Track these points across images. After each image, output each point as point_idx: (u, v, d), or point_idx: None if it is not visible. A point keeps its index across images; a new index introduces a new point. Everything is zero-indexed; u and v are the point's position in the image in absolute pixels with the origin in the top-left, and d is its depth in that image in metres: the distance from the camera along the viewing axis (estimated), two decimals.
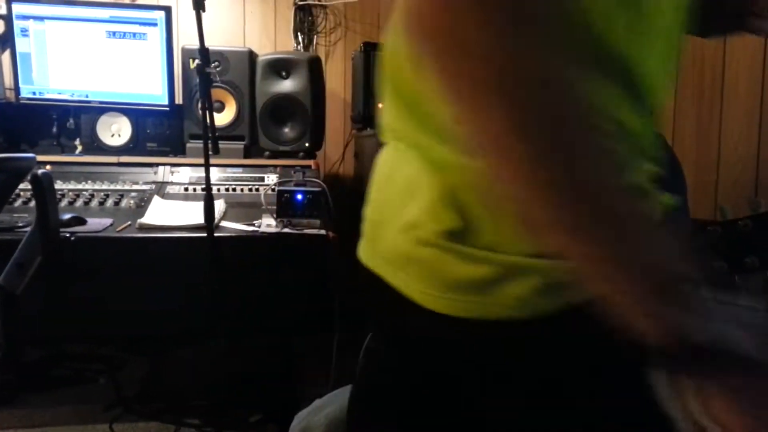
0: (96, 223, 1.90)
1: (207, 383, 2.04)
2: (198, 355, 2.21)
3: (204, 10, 1.79)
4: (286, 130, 2.39)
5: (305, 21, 2.85)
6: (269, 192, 2.06)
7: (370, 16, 2.93)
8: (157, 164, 2.27)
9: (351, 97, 2.68)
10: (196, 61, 1.82)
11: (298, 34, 2.83)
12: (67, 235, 1.78)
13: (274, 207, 1.92)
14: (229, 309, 1.75)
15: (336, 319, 1.86)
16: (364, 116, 2.36)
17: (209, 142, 1.77)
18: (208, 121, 1.77)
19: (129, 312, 1.88)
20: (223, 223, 1.91)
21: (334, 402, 1.25)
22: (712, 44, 1.80)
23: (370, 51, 2.33)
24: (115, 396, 2.16)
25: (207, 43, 1.81)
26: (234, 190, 2.18)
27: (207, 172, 1.75)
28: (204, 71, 1.82)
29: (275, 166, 2.28)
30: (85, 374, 2.37)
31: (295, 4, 2.83)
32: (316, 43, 2.88)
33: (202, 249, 1.73)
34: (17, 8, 2.33)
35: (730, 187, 1.77)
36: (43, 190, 1.54)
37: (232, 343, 1.88)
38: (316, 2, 2.86)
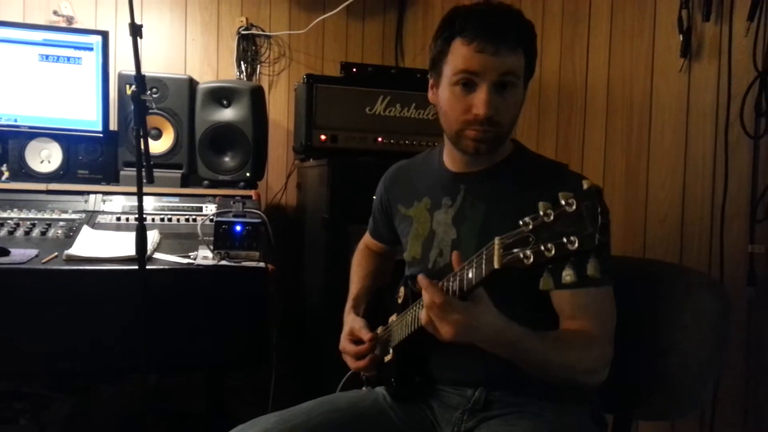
0: (20, 254, 1.79)
1: (136, 422, 1.94)
2: (127, 392, 2.10)
3: (141, 37, 1.75)
4: (227, 159, 2.35)
5: (249, 50, 2.84)
6: (207, 222, 2.01)
7: (314, 47, 2.95)
8: (89, 192, 2.17)
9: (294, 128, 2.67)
10: (132, 87, 1.77)
11: (242, 63, 2.81)
12: None
13: (212, 238, 1.87)
14: (160, 344, 1.68)
15: (273, 352, 1.81)
16: (306, 147, 2.35)
17: (143, 170, 1.71)
18: (142, 148, 1.72)
19: (54, 348, 1.77)
20: (157, 255, 1.85)
21: (256, 425, 1.21)
22: (641, 82, 1.88)
23: (312, 82, 2.33)
24: None
25: (146, 70, 1.77)
26: (170, 220, 2.12)
27: (140, 201, 1.68)
28: (139, 98, 1.78)
29: (214, 196, 2.23)
30: (6, 414, 2.22)
31: (238, 33, 2.81)
32: (260, 73, 2.87)
33: (134, 282, 1.66)
34: None
35: (657, 224, 1.84)
36: None
37: (162, 380, 1.80)
38: (260, 32, 2.85)
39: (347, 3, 2.87)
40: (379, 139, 2.38)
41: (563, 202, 0.78)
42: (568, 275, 0.78)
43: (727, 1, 1.62)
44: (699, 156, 1.72)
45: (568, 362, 1.10)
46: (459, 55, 1.17)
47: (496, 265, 0.87)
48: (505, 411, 1.20)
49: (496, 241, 0.89)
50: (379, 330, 1.37)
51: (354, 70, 2.51)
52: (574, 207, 0.77)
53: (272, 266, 1.86)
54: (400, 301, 1.29)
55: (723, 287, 1.43)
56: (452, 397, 1.25)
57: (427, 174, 1.36)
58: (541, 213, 0.80)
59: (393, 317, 1.31)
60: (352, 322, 1.42)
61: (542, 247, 0.79)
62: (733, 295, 1.48)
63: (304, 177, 2.70)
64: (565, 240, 0.76)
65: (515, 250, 0.84)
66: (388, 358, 1.31)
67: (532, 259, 0.81)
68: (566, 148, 2.19)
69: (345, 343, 1.40)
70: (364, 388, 1.41)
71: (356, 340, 1.38)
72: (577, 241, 0.75)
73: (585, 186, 0.77)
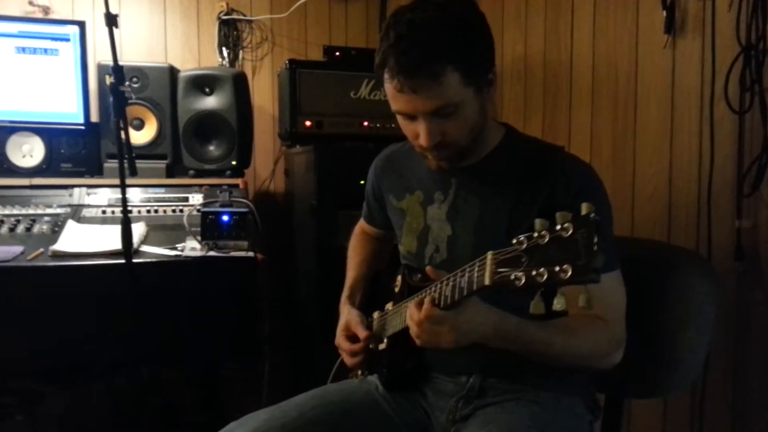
0: (5, 251, 1.78)
1: (130, 416, 1.94)
2: (120, 386, 2.09)
3: (117, 26, 1.72)
4: (211, 148, 2.33)
5: (230, 36, 2.79)
6: (193, 213, 1.99)
7: (297, 31, 2.91)
8: (73, 186, 2.15)
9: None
10: (111, 78, 1.74)
11: (223, 49, 2.77)
12: None
13: (199, 229, 1.85)
14: (150, 338, 1.67)
15: (265, 342, 1.81)
16: (291, 134, 2.33)
17: (125, 162, 1.69)
18: (123, 140, 1.70)
19: (43, 344, 1.76)
20: (144, 248, 1.83)
21: (248, 422, 1.20)
22: (625, 59, 1.87)
23: (295, 68, 2.30)
24: None
25: (125, 59, 1.75)
26: (156, 211, 2.10)
27: (123, 193, 1.67)
28: (118, 89, 1.75)
29: (200, 186, 2.21)
30: (0, 411, 2.22)
31: (219, 18, 2.77)
32: (243, 58, 2.83)
33: (121, 276, 1.64)
34: None
35: (645, 201, 1.84)
36: None
37: (155, 374, 1.79)
38: (242, 17, 2.81)
39: None
40: (365, 123, 2.36)
41: (559, 226, 0.77)
42: (559, 304, 0.77)
43: None
44: (685, 133, 1.71)
45: (573, 348, 1.09)
46: (387, 90, 1.13)
47: (487, 282, 0.87)
48: (500, 398, 1.19)
49: (489, 256, 0.88)
50: (376, 315, 1.36)
51: (337, 53, 2.48)
52: (570, 232, 0.75)
53: (261, 255, 1.85)
54: (396, 290, 1.28)
55: (711, 265, 1.44)
56: (447, 385, 1.25)
57: (418, 165, 1.32)
58: (536, 234, 0.79)
59: (389, 305, 1.30)
60: (348, 315, 1.40)
61: (534, 272, 0.78)
62: (721, 271, 1.49)
63: (291, 163, 2.68)
64: (557, 268, 0.76)
65: (507, 271, 0.83)
66: (382, 346, 1.31)
67: (523, 282, 0.80)
68: (553, 127, 2.18)
69: (341, 339, 1.39)
70: (356, 378, 1.40)
71: (351, 336, 1.37)
72: (570, 271, 0.74)
73: (584, 211, 0.75)
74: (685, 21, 1.70)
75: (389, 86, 1.12)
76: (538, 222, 0.80)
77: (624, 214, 1.85)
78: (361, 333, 1.33)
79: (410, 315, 1.04)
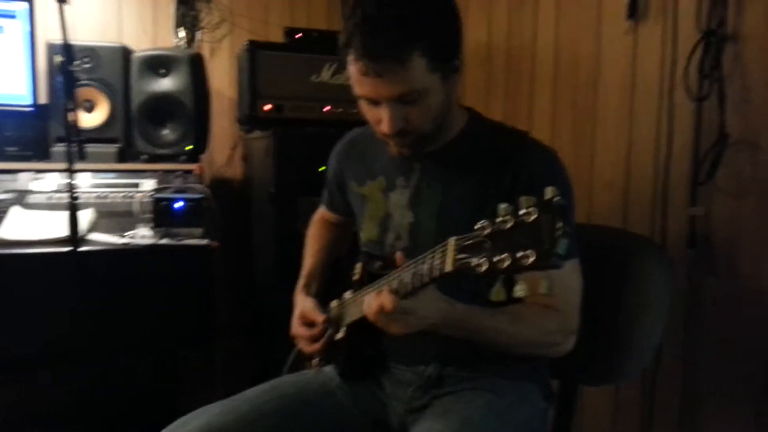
0: None
1: (81, 409, 1.88)
2: (69, 379, 2.02)
3: (68, 3, 1.64)
4: (166, 131, 2.25)
5: (187, 15, 2.70)
6: (145, 200, 1.92)
7: (258, 11, 2.83)
8: (18, 170, 2.05)
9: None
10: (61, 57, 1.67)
11: (180, 29, 2.68)
12: None
13: (151, 216, 1.79)
14: (100, 329, 1.61)
15: (221, 332, 1.76)
16: (250, 118, 2.26)
17: (74, 146, 1.62)
18: (72, 123, 1.63)
19: None
20: (92, 236, 1.76)
21: (201, 416, 1.17)
22: (587, 46, 1.87)
23: (254, 49, 2.24)
24: None
25: (77, 38, 1.67)
26: (106, 197, 2.01)
27: (70, 178, 1.60)
28: (67, 69, 1.67)
29: (153, 171, 2.13)
30: None
31: None
32: (200, 39, 2.74)
33: (68, 265, 1.58)
34: None
35: (603, 188, 1.84)
36: None
37: (107, 365, 1.74)
38: None
39: None
40: (326, 108, 2.32)
41: (523, 210, 0.75)
42: (521, 290, 0.76)
43: None
44: (644, 120, 1.71)
45: (523, 335, 1.09)
46: (351, 73, 1.09)
47: (448, 268, 0.85)
48: (457, 387, 1.19)
49: (451, 242, 0.86)
50: (333, 304, 1.34)
51: (298, 35, 2.42)
52: (533, 217, 0.74)
53: (217, 243, 1.80)
54: (356, 278, 1.25)
55: (665, 252, 1.45)
56: (405, 374, 1.24)
57: (381, 151, 1.28)
58: (500, 218, 0.77)
59: (348, 293, 1.28)
60: (302, 303, 1.37)
61: (497, 258, 0.77)
62: (674, 258, 1.50)
63: (249, 149, 2.62)
64: (520, 254, 0.74)
65: (469, 257, 0.81)
66: (340, 335, 1.28)
67: (485, 268, 0.78)
68: (514, 113, 2.17)
69: (297, 328, 1.35)
70: (312, 369, 1.37)
71: (308, 323, 1.34)
72: (532, 257, 0.73)
73: (548, 195, 0.73)
74: (647, 7, 1.69)
75: (353, 69, 1.08)
76: (501, 207, 0.78)
77: (582, 201, 1.85)
78: (318, 317, 1.30)
79: (368, 303, 1.01)
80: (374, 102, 1.11)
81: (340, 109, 2.33)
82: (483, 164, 1.16)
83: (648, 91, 1.70)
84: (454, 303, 1.03)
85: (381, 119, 1.11)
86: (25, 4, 2.18)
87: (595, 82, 1.86)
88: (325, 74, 2.32)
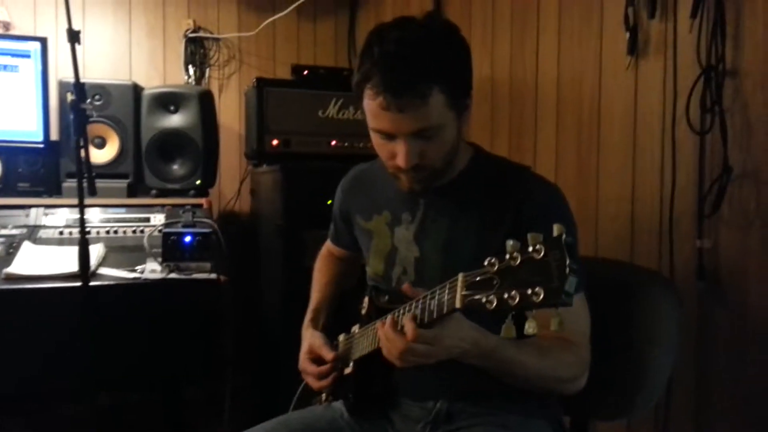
0: None
1: None
2: (79, 413, 2.01)
3: (79, 43, 1.68)
4: (175, 167, 2.28)
5: (197, 53, 2.76)
6: (155, 234, 1.94)
7: (265, 49, 2.89)
8: (30, 206, 2.08)
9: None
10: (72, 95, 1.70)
11: (189, 67, 2.73)
12: None
13: (160, 250, 1.81)
14: (109, 363, 1.61)
15: (229, 366, 1.76)
16: (258, 152, 2.30)
17: (85, 181, 1.65)
18: (83, 159, 1.65)
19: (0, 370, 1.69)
20: (102, 270, 1.78)
21: None
22: (589, 80, 1.90)
23: (262, 86, 2.28)
24: None
25: (89, 76, 1.71)
26: (116, 232, 2.04)
27: (81, 213, 1.62)
28: (79, 107, 1.71)
29: (162, 206, 2.16)
30: None
31: (185, 36, 2.74)
32: (209, 77, 2.80)
33: (78, 299, 1.59)
34: None
35: (608, 221, 1.85)
36: None
37: (115, 399, 1.73)
38: (209, 35, 2.78)
39: (297, 4, 2.82)
40: (333, 142, 2.35)
41: (531, 248, 0.76)
42: (530, 327, 0.76)
43: None
44: (647, 153, 1.73)
45: (547, 369, 1.08)
46: (369, 108, 1.11)
47: (457, 305, 0.86)
48: (467, 422, 1.17)
49: (460, 278, 0.86)
50: (341, 338, 1.33)
51: (305, 72, 2.47)
52: (542, 254, 0.74)
53: (225, 277, 1.81)
54: (363, 312, 1.25)
55: (674, 285, 1.45)
56: (413, 410, 1.22)
57: (386, 185, 1.29)
58: (508, 255, 0.78)
59: (356, 327, 1.28)
60: (311, 338, 1.36)
61: (506, 295, 0.77)
62: (683, 291, 1.50)
63: (257, 183, 2.64)
64: (530, 291, 0.74)
65: (478, 294, 0.82)
66: (348, 370, 1.28)
67: (494, 305, 0.79)
68: (519, 148, 2.19)
69: (305, 363, 1.34)
70: (320, 404, 1.37)
71: (316, 359, 1.33)
72: (542, 294, 0.73)
73: (556, 232, 0.74)
74: (647, 43, 1.72)
75: (372, 103, 1.08)
76: (509, 243, 0.78)
77: (588, 234, 1.86)
78: (328, 354, 1.29)
79: (386, 336, 1.00)
80: (390, 136, 1.11)
81: (347, 144, 2.36)
82: (487, 199, 1.18)
83: (650, 124, 1.72)
84: (487, 333, 1.02)
85: (395, 154, 1.12)
86: (39, 44, 2.24)
87: (599, 116, 1.88)
88: (332, 110, 2.36)
